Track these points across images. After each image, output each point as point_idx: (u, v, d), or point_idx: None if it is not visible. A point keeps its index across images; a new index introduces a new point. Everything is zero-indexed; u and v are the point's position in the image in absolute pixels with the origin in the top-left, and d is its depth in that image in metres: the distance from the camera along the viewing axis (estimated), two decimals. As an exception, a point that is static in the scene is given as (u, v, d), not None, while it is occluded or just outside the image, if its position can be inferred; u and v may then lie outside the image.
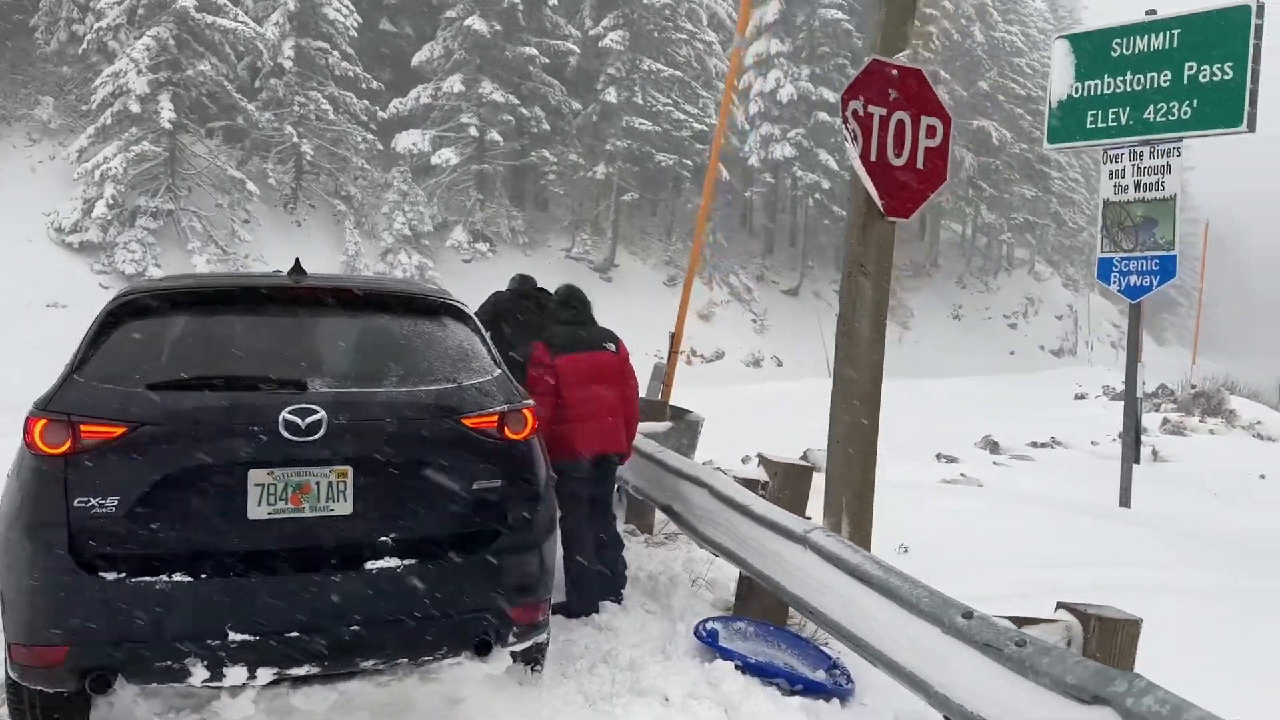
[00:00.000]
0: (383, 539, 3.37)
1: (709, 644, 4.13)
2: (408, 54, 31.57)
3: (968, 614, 3.01)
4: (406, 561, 3.35)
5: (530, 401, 3.77)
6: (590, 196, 34.69)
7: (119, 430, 3.15)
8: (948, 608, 3.09)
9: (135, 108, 22.85)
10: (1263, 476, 11.77)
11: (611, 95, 32.25)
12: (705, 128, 33.11)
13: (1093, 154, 54.22)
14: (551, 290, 5.61)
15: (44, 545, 3.10)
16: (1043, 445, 12.91)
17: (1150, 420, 14.99)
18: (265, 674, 3.19)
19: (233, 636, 3.13)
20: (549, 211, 34.92)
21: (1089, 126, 8.87)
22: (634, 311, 25.37)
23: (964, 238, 50.03)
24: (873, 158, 5.07)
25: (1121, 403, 19.83)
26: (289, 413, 3.26)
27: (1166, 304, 68.95)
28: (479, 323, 3.99)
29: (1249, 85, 7.81)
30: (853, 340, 5.17)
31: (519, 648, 3.65)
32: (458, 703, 3.66)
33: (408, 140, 29.70)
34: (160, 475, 3.16)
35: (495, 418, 3.59)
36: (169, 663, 3.11)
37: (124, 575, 3.10)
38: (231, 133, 27.26)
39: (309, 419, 3.27)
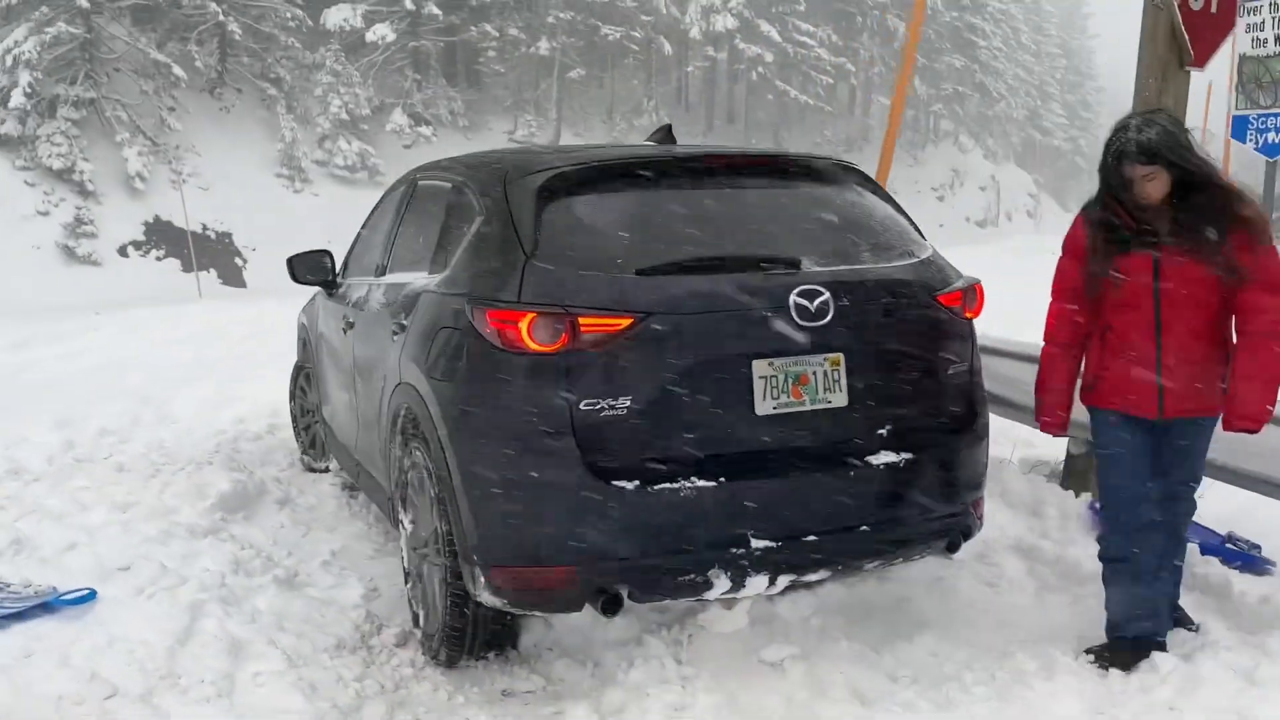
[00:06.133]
0: (879, 432, 3.00)
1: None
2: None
3: None
4: (904, 456, 2.99)
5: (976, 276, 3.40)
6: (530, 75, 33.11)
7: (625, 322, 2.66)
8: None
9: (45, -19, 20.49)
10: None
11: (552, -38, 30.53)
12: (651, -3, 31.74)
13: (1014, 21, 54.38)
14: None
15: (548, 456, 2.65)
16: None
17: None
18: (783, 581, 2.86)
19: (755, 544, 2.77)
20: (487, 91, 33.24)
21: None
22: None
23: (890, 110, 49.95)
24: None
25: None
26: (798, 295, 2.81)
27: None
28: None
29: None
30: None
31: (969, 542, 3.38)
32: (905, 601, 3.38)
33: (338, 16, 27.54)
34: (669, 370, 2.71)
35: (959, 295, 3.22)
36: (691, 576, 2.74)
37: (639, 483, 2.68)
38: (145, 12, 24.74)
39: (816, 301, 2.83)
